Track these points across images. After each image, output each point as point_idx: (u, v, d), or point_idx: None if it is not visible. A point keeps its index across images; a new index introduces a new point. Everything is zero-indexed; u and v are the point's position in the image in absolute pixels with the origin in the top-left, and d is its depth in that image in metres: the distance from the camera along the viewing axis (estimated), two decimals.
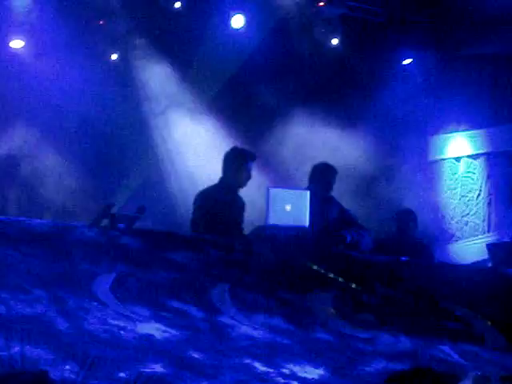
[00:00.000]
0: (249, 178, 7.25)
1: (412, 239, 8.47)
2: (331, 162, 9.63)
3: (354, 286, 6.16)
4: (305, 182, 8.36)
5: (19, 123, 8.78)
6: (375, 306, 6.05)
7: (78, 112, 8.84)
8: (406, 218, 8.48)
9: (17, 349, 4.61)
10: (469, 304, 6.34)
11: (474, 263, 9.30)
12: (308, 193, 7.01)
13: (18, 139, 8.80)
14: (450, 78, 10.86)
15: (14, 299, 4.99)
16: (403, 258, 7.01)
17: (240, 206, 7.27)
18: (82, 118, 8.84)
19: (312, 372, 5.17)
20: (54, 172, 8.87)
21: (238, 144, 8.39)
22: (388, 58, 10.34)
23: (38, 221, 5.88)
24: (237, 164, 7.20)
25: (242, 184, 7.26)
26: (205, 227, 6.85)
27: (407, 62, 10.69)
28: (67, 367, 4.60)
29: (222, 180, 7.27)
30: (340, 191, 8.14)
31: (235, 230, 6.74)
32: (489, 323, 6.21)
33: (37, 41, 8.60)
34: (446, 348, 5.84)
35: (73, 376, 4.57)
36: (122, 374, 4.65)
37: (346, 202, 8.38)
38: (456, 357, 5.71)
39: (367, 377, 5.30)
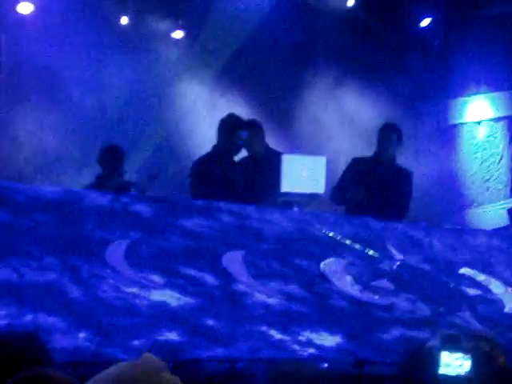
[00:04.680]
0: (240, 146, 7.11)
1: (392, 161, 7.21)
2: (348, 125, 9.50)
3: (370, 252, 6.09)
4: (319, 148, 8.24)
5: (26, 89, 8.68)
6: (392, 273, 5.98)
7: (87, 78, 8.73)
8: (388, 131, 7.07)
9: (30, 316, 4.59)
10: (488, 270, 6.27)
11: (494, 229, 9.19)
12: (324, 158, 6.88)
13: (23, 108, 8.68)
14: (470, 38, 10.65)
15: (26, 267, 4.96)
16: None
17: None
18: (91, 84, 8.73)
19: (328, 339, 5.13)
20: (62, 138, 8.79)
21: (250, 110, 8.28)
22: (405, 18, 10.17)
23: (50, 188, 5.83)
24: (228, 131, 7.06)
25: (234, 152, 7.13)
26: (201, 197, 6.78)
27: (425, 22, 10.50)
28: (81, 335, 4.59)
29: (214, 147, 7.14)
30: (357, 155, 7.92)
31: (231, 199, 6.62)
32: (509, 289, 6.15)
33: (45, 5, 8.43)
34: (465, 315, 5.78)
35: (87, 343, 4.55)
36: (136, 342, 4.64)
37: None
38: (475, 323, 5.65)
39: (384, 344, 5.26)
